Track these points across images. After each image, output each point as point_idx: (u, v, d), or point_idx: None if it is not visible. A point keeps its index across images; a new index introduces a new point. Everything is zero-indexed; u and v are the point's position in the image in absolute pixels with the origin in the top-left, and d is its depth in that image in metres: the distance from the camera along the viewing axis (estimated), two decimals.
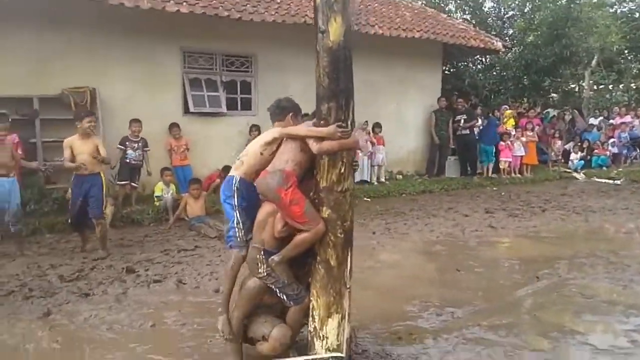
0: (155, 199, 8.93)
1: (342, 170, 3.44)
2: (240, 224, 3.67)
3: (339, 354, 3.50)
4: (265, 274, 3.49)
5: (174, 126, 9.62)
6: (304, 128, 3.54)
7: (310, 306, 3.56)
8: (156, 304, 4.98)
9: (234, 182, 3.70)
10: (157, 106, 9.63)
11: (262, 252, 3.50)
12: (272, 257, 3.44)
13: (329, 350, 3.51)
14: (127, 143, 8.83)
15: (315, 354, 3.54)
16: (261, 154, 3.71)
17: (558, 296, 5.27)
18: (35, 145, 8.38)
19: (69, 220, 6.84)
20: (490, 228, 8.37)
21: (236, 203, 3.67)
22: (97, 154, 6.53)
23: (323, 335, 3.52)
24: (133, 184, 9.03)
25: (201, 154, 9.91)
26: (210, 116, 10.30)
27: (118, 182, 8.93)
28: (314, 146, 3.40)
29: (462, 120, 13.31)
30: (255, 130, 10.22)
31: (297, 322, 3.66)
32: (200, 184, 8.54)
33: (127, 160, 8.84)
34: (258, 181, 3.52)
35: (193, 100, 10.02)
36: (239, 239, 3.67)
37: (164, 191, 8.85)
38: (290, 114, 3.86)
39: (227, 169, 8.49)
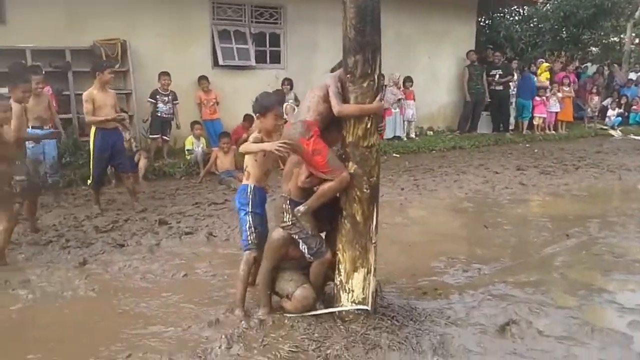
0: (186, 152, 9.05)
1: (369, 125, 3.41)
2: (252, 228, 3.87)
3: (364, 307, 3.57)
4: (290, 223, 3.55)
5: (202, 79, 9.63)
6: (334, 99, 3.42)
7: (337, 260, 3.61)
8: (187, 255, 5.12)
9: (248, 190, 3.90)
10: (186, 59, 9.64)
11: (288, 202, 3.55)
12: (298, 207, 3.49)
13: (355, 303, 3.57)
14: (157, 96, 8.90)
15: (341, 306, 3.61)
16: (255, 160, 3.88)
17: (587, 255, 5.22)
18: (68, 97, 8.50)
19: (93, 179, 6.60)
20: (520, 185, 8.26)
21: (250, 209, 3.88)
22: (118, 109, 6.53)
23: (349, 289, 3.58)
24: (165, 137, 9.16)
25: (230, 107, 9.93)
26: (239, 69, 10.26)
27: (150, 136, 9.07)
28: (335, 107, 3.38)
29: (497, 75, 12.96)
30: (288, 83, 10.17)
31: (319, 277, 3.72)
32: (230, 137, 8.59)
33: (159, 114, 8.93)
34: (284, 132, 3.55)
35: (222, 52, 9.99)
36: (250, 242, 3.86)
37: (194, 145, 8.96)
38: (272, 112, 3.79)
39: (248, 117, 8.51)
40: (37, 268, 4.75)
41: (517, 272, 4.71)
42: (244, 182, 3.98)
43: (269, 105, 3.80)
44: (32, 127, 6.32)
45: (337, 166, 3.42)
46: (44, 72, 7.12)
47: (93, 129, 6.43)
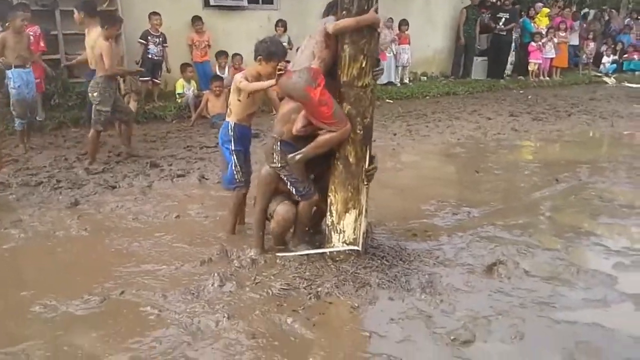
0: (177, 95, 8.92)
1: (364, 65, 3.35)
2: (238, 167, 3.94)
3: (354, 247, 3.62)
4: (279, 165, 3.54)
5: (197, 19, 9.36)
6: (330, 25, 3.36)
7: (329, 201, 3.63)
8: (179, 197, 5.13)
9: (229, 128, 3.91)
10: None
11: (279, 143, 3.52)
12: (294, 154, 3.44)
13: (346, 244, 3.62)
14: (148, 37, 8.69)
15: (333, 246, 3.66)
16: (239, 100, 3.86)
17: (576, 199, 5.28)
18: (56, 37, 8.27)
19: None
20: (513, 131, 8.27)
21: (233, 148, 3.92)
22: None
23: (340, 229, 3.61)
24: (155, 79, 8.99)
25: (221, 49, 9.72)
26: (230, 10, 9.98)
27: (140, 78, 8.89)
28: (329, 26, 3.29)
29: (504, 19, 12.69)
30: (282, 25, 9.94)
31: (305, 215, 3.74)
32: (221, 81, 8.45)
33: (149, 56, 8.73)
34: (282, 81, 3.40)
35: None
36: (237, 180, 3.97)
37: (185, 88, 8.83)
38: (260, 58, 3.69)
39: (217, 78, 8.38)
40: (29, 208, 4.75)
41: (506, 215, 4.77)
42: (226, 119, 4.00)
43: (278, 53, 3.68)
44: (15, 67, 6.16)
45: (342, 118, 3.35)
46: (30, 10, 6.88)
47: None
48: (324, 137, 3.40)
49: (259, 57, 3.71)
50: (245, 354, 2.74)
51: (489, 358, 2.77)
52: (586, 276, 3.65)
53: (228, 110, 4.00)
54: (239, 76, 3.89)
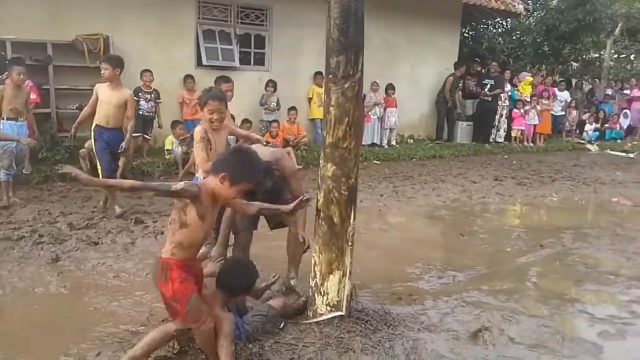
0: (166, 152, 8.97)
1: (349, 126, 3.41)
2: None
3: (338, 313, 3.56)
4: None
5: (188, 78, 9.56)
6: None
7: (312, 262, 3.60)
8: None
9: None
10: (170, 57, 9.56)
11: None
12: None
13: (329, 306, 3.57)
14: (139, 94, 8.82)
15: (316, 308, 3.60)
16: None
17: (560, 265, 5.29)
18: (48, 91, 8.37)
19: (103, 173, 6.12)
20: (497, 195, 8.36)
21: None
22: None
23: (324, 291, 3.57)
24: (146, 135, 9.06)
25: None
26: (222, 70, 10.18)
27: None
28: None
29: (489, 85, 13.09)
30: (272, 86, 10.17)
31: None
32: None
33: (140, 112, 8.83)
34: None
35: (206, 52, 9.93)
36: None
37: (174, 145, 8.88)
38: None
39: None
40: (9, 263, 4.66)
41: (491, 280, 4.76)
42: (196, 174, 4.13)
43: (204, 100, 4.13)
44: (7, 119, 6.22)
45: (198, 314, 2.88)
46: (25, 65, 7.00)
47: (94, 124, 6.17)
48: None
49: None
50: None
51: None
52: (571, 344, 3.62)
53: (195, 166, 4.10)
54: (198, 129, 4.12)
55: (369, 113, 11.42)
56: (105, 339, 3.42)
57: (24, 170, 7.05)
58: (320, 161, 3.56)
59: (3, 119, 6.21)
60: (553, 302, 4.35)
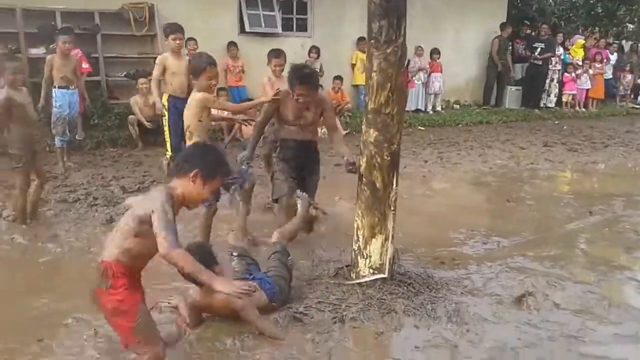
0: None
1: (391, 92, 3.39)
2: None
3: (380, 275, 3.61)
4: None
5: (232, 45, 9.60)
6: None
7: (355, 226, 3.65)
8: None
9: None
10: (213, 25, 9.61)
11: None
12: None
13: (372, 269, 3.62)
14: None
15: (359, 271, 3.66)
16: (200, 121, 4.03)
17: (610, 232, 5.17)
18: (97, 60, 8.58)
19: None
20: (547, 161, 8.16)
21: None
22: None
23: (367, 254, 3.62)
24: None
25: (255, 75, 9.87)
26: (265, 36, 10.21)
27: None
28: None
29: (539, 49, 12.65)
30: (315, 52, 10.13)
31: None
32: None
33: None
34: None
35: (249, 19, 9.94)
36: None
37: (218, 111, 8.98)
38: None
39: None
40: (66, 224, 4.91)
41: (538, 247, 4.69)
42: (188, 142, 4.02)
43: (201, 67, 3.98)
44: (59, 87, 6.44)
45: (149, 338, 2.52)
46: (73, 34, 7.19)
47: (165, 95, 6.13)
48: None
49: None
50: None
51: None
52: (618, 310, 3.56)
53: (187, 133, 4.02)
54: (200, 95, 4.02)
55: (413, 78, 11.23)
56: (161, 294, 3.54)
57: (77, 137, 7.36)
58: (363, 127, 3.58)
59: (55, 87, 6.43)
60: (601, 268, 4.27)
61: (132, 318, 2.42)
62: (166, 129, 6.01)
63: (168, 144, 6.03)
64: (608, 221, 5.46)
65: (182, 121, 4.49)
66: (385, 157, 3.48)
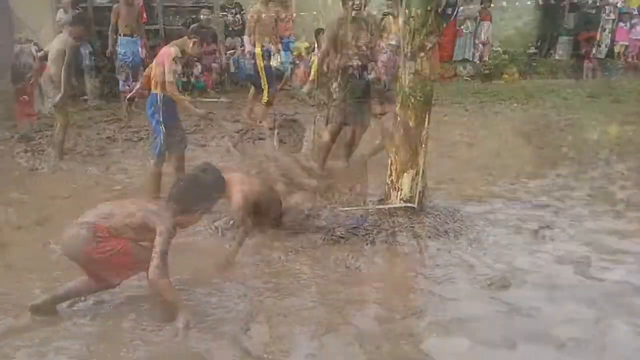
0: None
1: (427, 36, 3.70)
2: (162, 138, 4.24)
3: (410, 204, 4.03)
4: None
5: None
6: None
7: (388, 162, 4.06)
8: (260, 156, 5.70)
9: (158, 100, 4.18)
10: None
11: None
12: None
13: (403, 201, 4.04)
14: (225, 10, 9.29)
15: (391, 202, 4.09)
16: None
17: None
18: (154, 9, 9.01)
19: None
20: (588, 112, 8.21)
21: (161, 119, 4.22)
22: None
23: (398, 187, 4.03)
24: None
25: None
26: None
27: None
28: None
29: None
30: None
31: None
32: None
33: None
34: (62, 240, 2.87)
35: None
36: (158, 150, 4.27)
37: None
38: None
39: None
40: (132, 159, 5.54)
41: (564, 188, 4.98)
42: (153, 90, 4.23)
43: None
44: (124, 35, 6.96)
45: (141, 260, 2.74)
46: None
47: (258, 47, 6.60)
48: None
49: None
50: (310, 282, 3.28)
51: (521, 301, 3.10)
52: (630, 244, 3.85)
53: (153, 82, 4.20)
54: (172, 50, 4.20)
55: (461, 27, 11.20)
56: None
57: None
58: (399, 70, 3.92)
59: (120, 35, 6.97)
60: (618, 208, 4.52)
61: (131, 255, 2.73)
62: (263, 75, 6.55)
63: (265, 91, 6.59)
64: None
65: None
66: (419, 98, 3.83)
